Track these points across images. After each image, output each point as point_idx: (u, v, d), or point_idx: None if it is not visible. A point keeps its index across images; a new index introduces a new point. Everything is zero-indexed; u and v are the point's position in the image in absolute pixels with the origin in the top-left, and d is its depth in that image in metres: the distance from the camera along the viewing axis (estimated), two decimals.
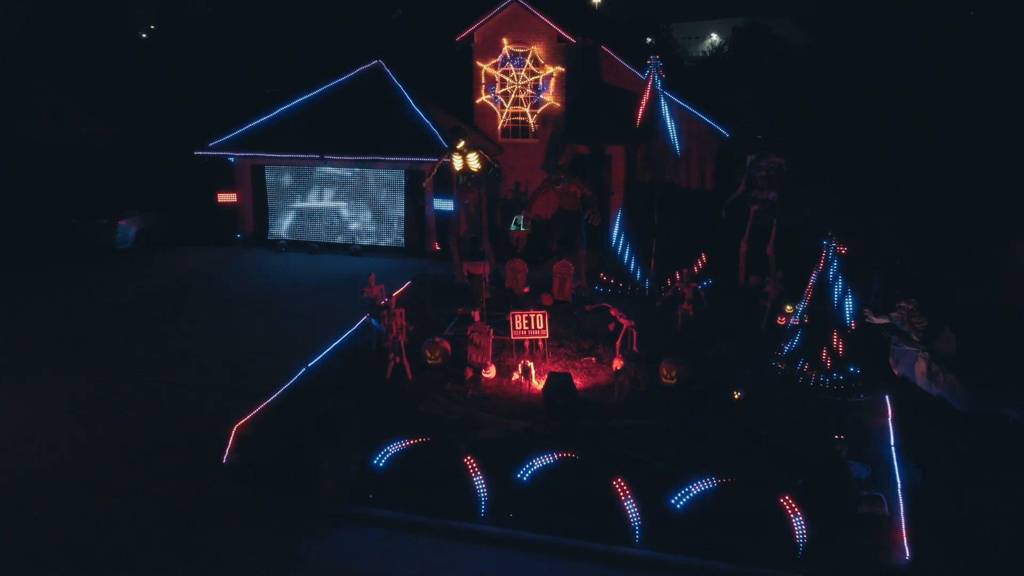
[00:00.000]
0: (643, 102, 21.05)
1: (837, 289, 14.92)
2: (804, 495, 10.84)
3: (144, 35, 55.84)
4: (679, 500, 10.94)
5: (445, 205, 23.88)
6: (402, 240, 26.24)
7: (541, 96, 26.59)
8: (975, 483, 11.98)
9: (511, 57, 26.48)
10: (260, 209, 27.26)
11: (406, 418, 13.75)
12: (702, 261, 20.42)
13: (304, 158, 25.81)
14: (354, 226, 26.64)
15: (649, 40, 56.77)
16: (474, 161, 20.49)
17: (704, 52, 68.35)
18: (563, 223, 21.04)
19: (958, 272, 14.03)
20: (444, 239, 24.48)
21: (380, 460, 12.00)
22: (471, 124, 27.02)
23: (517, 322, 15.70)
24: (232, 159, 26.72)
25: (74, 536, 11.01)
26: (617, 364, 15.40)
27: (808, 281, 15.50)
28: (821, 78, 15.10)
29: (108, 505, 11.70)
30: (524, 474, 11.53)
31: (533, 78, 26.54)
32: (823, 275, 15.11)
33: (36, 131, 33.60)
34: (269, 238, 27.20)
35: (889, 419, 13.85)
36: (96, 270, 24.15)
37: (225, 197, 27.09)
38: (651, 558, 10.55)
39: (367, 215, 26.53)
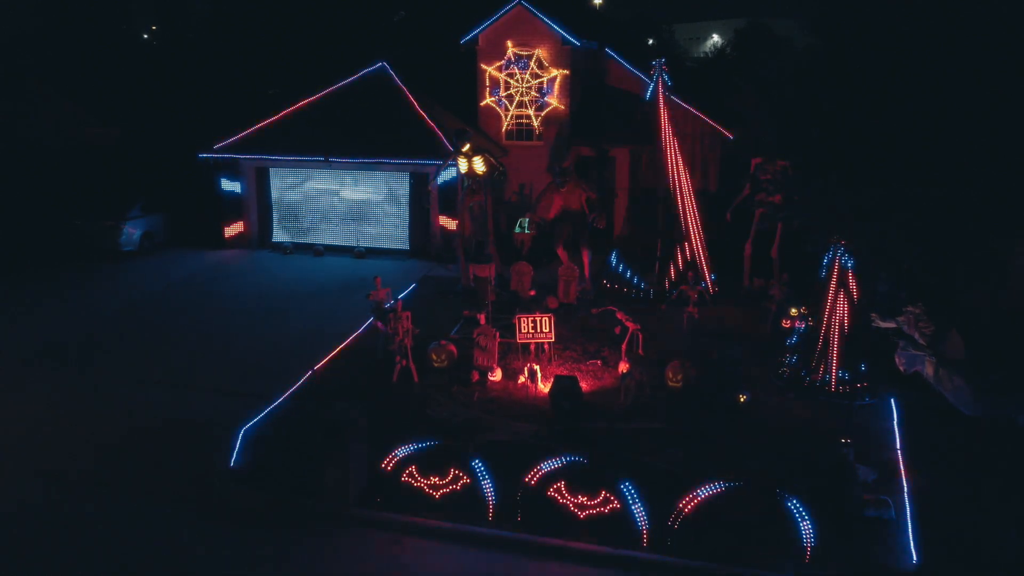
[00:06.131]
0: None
1: (840, 291, 14.94)
2: (811, 498, 10.87)
3: (145, 35, 55.85)
4: (686, 503, 10.96)
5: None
6: (407, 242, 26.28)
7: (545, 98, 26.65)
8: (983, 487, 12.01)
9: (515, 60, 26.54)
10: (264, 211, 27.30)
11: (413, 421, 13.79)
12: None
13: (308, 160, 25.86)
14: (358, 228, 26.67)
15: (651, 41, 56.82)
16: (479, 164, 20.50)
17: (706, 53, 68.43)
18: (568, 225, 21.04)
19: (964, 274, 14.05)
20: (449, 241, 24.52)
21: (387, 463, 12.03)
22: (476, 126, 27.07)
23: (523, 325, 15.71)
24: (236, 161, 26.75)
25: (81, 537, 11.06)
26: (623, 367, 15.43)
27: (813, 284, 15.53)
28: (828, 80, 15.13)
29: (115, 507, 11.74)
30: (531, 477, 11.56)
31: (537, 80, 26.60)
32: (828, 278, 15.12)
33: (38, 131, 33.59)
34: (273, 240, 27.25)
35: (895, 422, 13.89)
36: (101, 272, 24.19)
37: (229, 200, 27.10)
38: (658, 561, 10.59)
39: (371, 217, 26.57)
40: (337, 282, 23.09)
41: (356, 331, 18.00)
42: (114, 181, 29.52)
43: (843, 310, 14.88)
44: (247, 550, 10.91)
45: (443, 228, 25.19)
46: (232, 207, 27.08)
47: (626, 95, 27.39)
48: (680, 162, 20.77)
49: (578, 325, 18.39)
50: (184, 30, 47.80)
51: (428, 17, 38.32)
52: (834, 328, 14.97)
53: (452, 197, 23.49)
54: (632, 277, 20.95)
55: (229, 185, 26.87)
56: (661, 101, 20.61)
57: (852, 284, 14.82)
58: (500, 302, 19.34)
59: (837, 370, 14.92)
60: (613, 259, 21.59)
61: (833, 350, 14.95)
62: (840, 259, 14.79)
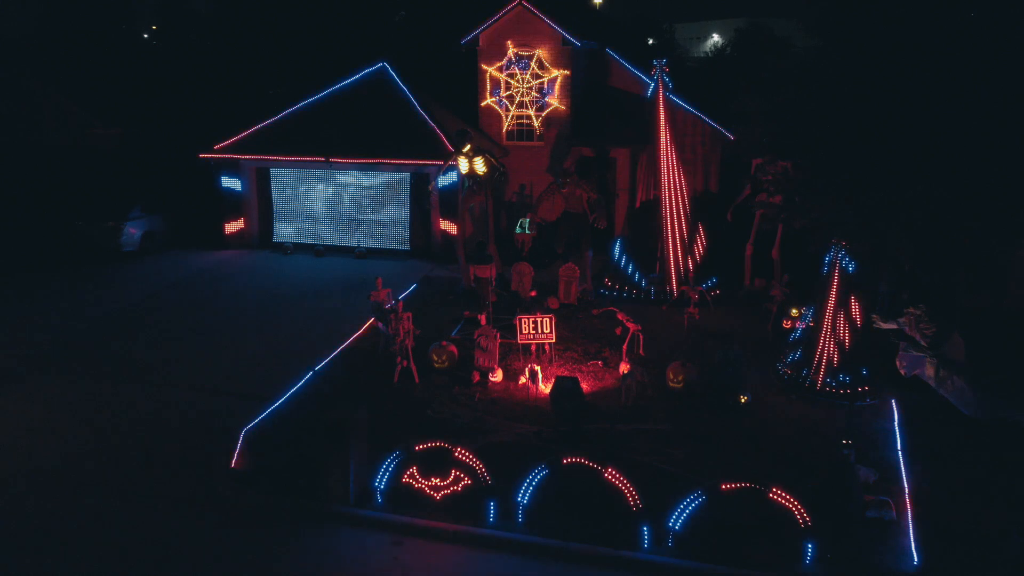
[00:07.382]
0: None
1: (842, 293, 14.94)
2: (812, 499, 10.87)
3: (145, 35, 55.89)
4: (687, 504, 10.95)
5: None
6: (407, 243, 26.28)
7: (546, 99, 26.64)
8: (984, 488, 12.00)
9: (516, 60, 26.53)
10: (265, 212, 27.29)
11: (414, 422, 13.80)
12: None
13: (309, 160, 25.84)
14: (359, 229, 26.68)
15: (651, 41, 56.82)
16: (480, 164, 20.50)
17: (706, 52, 68.48)
18: (569, 226, 21.05)
19: (965, 276, 14.06)
20: (449, 241, 24.53)
21: (389, 464, 12.02)
22: (476, 127, 27.07)
23: (524, 326, 15.73)
24: (237, 161, 26.72)
25: (83, 538, 11.05)
26: (624, 368, 15.43)
27: (814, 285, 15.53)
28: (829, 83, 15.12)
29: (117, 508, 11.73)
30: (533, 478, 11.55)
31: (538, 81, 26.58)
32: (829, 278, 15.13)
33: (39, 132, 33.62)
34: (274, 240, 27.24)
35: (896, 423, 13.89)
36: (101, 273, 24.18)
37: (230, 200, 27.08)
38: (659, 563, 10.58)
39: (372, 218, 26.57)
40: (338, 282, 23.09)
41: (357, 332, 18.00)
42: (115, 182, 29.48)
43: (844, 311, 14.88)
44: (247, 550, 10.91)
45: (444, 229, 25.18)
46: (233, 207, 27.06)
47: (627, 95, 27.38)
48: (676, 164, 20.82)
49: (579, 326, 18.39)
50: (184, 30, 47.85)
51: (428, 17, 38.33)
52: (835, 329, 14.96)
53: (453, 198, 23.50)
54: (634, 275, 20.97)
55: (228, 186, 26.82)
56: (661, 103, 20.66)
57: (852, 285, 14.82)
58: (501, 303, 19.35)
59: (838, 371, 14.91)
60: (616, 251, 21.49)
61: (834, 351, 14.95)
62: (841, 260, 14.79)
